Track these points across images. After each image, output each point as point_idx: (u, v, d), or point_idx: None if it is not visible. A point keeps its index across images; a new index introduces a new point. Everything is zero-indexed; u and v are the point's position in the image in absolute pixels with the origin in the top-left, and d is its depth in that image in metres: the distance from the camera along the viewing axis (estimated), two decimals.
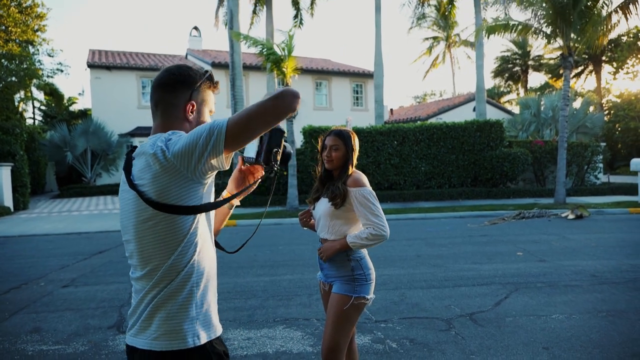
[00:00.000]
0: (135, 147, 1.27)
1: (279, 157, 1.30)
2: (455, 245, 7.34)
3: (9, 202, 13.56)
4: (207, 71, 1.36)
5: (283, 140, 1.29)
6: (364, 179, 2.22)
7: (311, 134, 13.73)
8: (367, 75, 23.07)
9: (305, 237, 8.29)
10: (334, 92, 23.25)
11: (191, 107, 1.30)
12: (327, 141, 2.27)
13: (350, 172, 2.24)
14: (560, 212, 10.57)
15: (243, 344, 3.47)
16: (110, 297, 4.79)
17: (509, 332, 3.59)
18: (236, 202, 1.47)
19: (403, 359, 3.18)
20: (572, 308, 4.14)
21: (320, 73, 22.73)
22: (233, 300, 4.56)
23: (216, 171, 1.19)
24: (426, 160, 14.21)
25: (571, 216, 10.03)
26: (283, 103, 1.12)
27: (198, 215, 1.22)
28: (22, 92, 20.31)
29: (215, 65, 20.00)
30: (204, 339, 1.24)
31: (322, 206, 2.28)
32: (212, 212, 1.36)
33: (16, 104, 21.45)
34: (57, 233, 9.84)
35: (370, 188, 2.22)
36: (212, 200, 1.28)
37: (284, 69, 11.67)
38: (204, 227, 1.26)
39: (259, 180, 1.43)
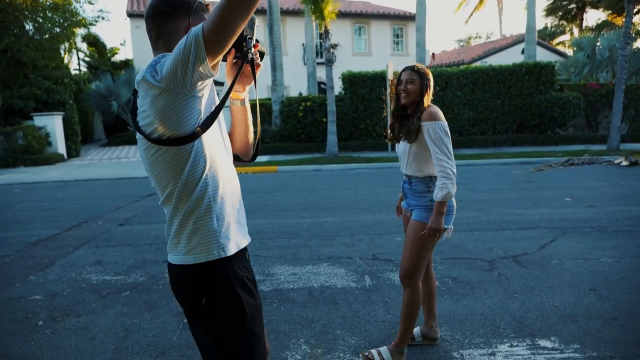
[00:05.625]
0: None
1: (253, 38, 1.26)
2: (499, 191, 7.18)
3: (62, 149, 14.34)
4: None
5: (255, 27, 1.27)
6: (440, 112, 2.22)
7: (350, 79, 13.43)
8: (408, 18, 21.97)
9: (345, 183, 8.36)
10: (373, 36, 22.38)
11: None
12: (402, 76, 2.29)
13: (425, 105, 2.25)
14: (613, 159, 10.03)
15: (289, 279, 3.63)
16: (162, 235, 5.07)
17: (554, 274, 3.56)
18: (244, 95, 1.45)
19: (445, 295, 3.23)
20: (623, 252, 4.02)
21: (360, 16, 21.83)
22: (278, 239, 4.74)
23: (207, 80, 1.18)
24: (470, 106, 13.67)
25: (625, 162, 9.51)
26: None
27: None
28: (66, 43, 20.76)
29: None
30: (230, 250, 1.29)
31: (402, 145, 2.37)
32: (220, 124, 1.35)
33: (61, 55, 22.04)
34: (109, 178, 10.39)
35: (445, 122, 2.20)
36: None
37: (322, 11, 11.28)
38: (211, 140, 1.27)
39: (245, 62, 1.29)
